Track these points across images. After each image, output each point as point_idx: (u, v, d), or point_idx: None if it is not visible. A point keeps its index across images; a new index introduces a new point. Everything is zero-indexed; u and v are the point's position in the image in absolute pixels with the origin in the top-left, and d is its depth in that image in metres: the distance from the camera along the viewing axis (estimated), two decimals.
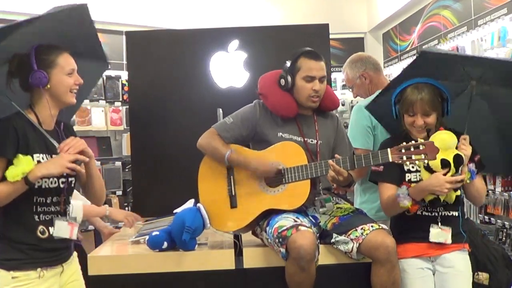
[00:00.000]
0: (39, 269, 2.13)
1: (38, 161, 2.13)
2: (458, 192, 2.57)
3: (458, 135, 2.58)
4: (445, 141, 2.52)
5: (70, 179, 2.24)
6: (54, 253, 2.19)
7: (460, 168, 2.52)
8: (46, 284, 2.15)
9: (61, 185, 2.21)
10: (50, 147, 2.18)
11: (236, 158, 2.75)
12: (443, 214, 2.61)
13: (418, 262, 2.63)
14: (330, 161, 2.60)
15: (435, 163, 2.52)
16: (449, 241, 2.57)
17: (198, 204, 2.76)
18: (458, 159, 2.51)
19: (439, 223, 2.59)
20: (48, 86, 2.16)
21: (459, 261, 2.60)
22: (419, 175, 2.61)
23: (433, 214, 2.62)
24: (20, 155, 2.08)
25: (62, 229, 2.20)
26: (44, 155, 2.16)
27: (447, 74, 2.69)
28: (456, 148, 2.55)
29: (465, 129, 2.59)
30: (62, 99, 2.20)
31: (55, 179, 2.18)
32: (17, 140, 2.09)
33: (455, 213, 2.62)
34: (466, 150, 2.53)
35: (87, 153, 2.18)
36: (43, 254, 2.15)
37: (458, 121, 2.63)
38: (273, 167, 2.70)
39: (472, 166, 2.55)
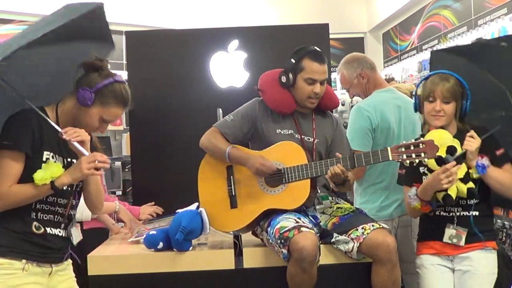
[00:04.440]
0: (24, 261, 2.07)
1: (47, 159, 2.11)
2: (471, 184, 2.52)
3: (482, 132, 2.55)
4: (437, 138, 2.50)
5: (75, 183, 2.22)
6: (43, 250, 2.14)
7: (454, 158, 2.47)
8: (30, 279, 2.09)
9: (68, 188, 2.18)
10: (62, 147, 2.16)
11: (236, 154, 2.76)
12: (461, 214, 2.59)
13: (436, 259, 2.63)
14: (334, 164, 2.60)
15: (431, 162, 2.52)
16: (463, 243, 2.56)
17: (201, 209, 2.76)
18: (450, 150, 2.49)
19: (455, 224, 2.58)
20: (82, 108, 2.15)
21: (479, 260, 2.57)
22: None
23: (451, 214, 2.60)
24: (51, 161, 2.09)
25: (77, 236, 2.20)
26: (55, 154, 2.14)
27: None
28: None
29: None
30: (77, 124, 2.17)
31: None
32: (33, 135, 2.09)
33: (475, 213, 2.58)
34: (471, 146, 2.50)
35: (86, 146, 2.15)
36: (31, 247, 2.10)
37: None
38: (272, 164, 2.70)
39: (483, 160, 2.51)
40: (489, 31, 5.58)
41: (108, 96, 2.16)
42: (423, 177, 2.63)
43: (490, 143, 2.58)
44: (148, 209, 3.57)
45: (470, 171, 2.53)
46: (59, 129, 2.10)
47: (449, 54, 2.93)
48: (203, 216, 2.72)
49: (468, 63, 2.70)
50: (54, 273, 2.18)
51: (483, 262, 2.58)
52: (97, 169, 2.10)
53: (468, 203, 2.58)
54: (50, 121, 2.11)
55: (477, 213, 2.59)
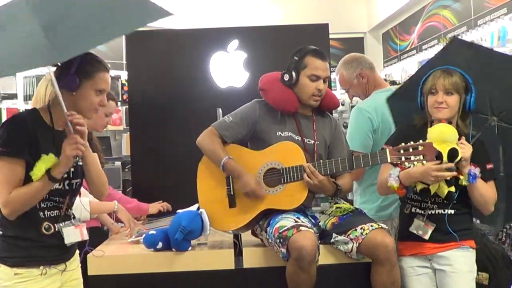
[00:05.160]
0: (41, 267, 2.13)
1: None
2: (452, 188, 2.53)
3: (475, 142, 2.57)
4: (442, 133, 2.50)
5: (74, 181, 2.23)
6: (58, 251, 2.19)
7: (454, 163, 2.49)
8: (48, 280, 2.15)
9: (67, 187, 2.20)
10: (59, 147, 2.15)
11: (230, 168, 2.75)
12: (436, 212, 2.60)
13: (414, 261, 2.63)
14: (305, 164, 2.63)
15: None
16: (427, 237, 2.56)
17: (201, 210, 2.76)
18: (452, 153, 2.49)
19: (425, 217, 2.59)
20: (74, 93, 2.16)
21: (457, 259, 2.58)
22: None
23: (426, 212, 2.60)
24: (43, 155, 2.09)
25: (71, 235, 2.21)
26: (52, 155, 2.14)
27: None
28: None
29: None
30: (81, 111, 2.18)
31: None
32: (29, 141, 2.09)
33: (450, 211, 2.59)
34: (465, 152, 2.50)
35: (83, 135, 2.15)
36: (47, 251, 2.15)
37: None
38: (260, 191, 2.71)
39: (475, 170, 2.51)
40: (489, 31, 5.57)
41: (87, 67, 2.16)
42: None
43: (482, 156, 2.59)
44: (157, 205, 3.61)
45: (461, 177, 2.52)
46: (65, 109, 2.10)
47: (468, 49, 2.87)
48: (203, 217, 2.72)
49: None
50: (67, 268, 2.23)
51: (461, 260, 2.58)
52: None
53: (444, 201, 2.59)
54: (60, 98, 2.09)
55: (452, 211, 2.59)
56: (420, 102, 2.68)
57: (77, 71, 2.14)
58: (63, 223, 2.21)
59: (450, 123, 2.56)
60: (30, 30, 1.89)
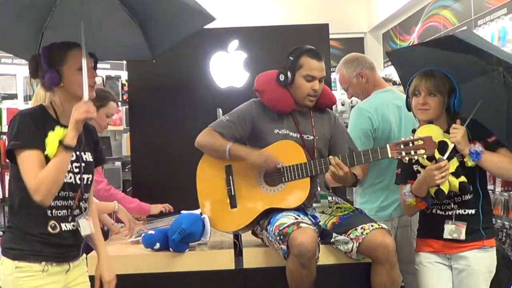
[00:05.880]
0: (43, 263, 2.11)
1: None
2: (462, 178, 2.54)
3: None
4: (424, 135, 2.51)
5: (86, 176, 2.23)
6: (62, 249, 2.18)
7: (448, 153, 2.50)
8: (50, 279, 2.13)
9: (78, 181, 2.20)
10: None
11: (237, 150, 2.74)
12: (457, 212, 2.60)
13: (434, 257, 2.64)
14: (330, 157, 2.62)
15: (422, 159, 2.54)
16: (463, 237, 2.56)
17: (204, 215, 2.76)
18: (442, 146, 2.51)
19: (454, 219, 2.59)
20: (62, 84, 2.16)
21: (476, 260, 2.58)
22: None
23: (447, 213, 2.61)
24: (50, 131, 2.08)
25: (85, 227, 2.21)
26: (58, 127, 2.14)
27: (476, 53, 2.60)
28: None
29: (474, 110, 2.56)
30: (78, 95, 2.16)
31: (71, 174, 2.17)
32: (39, 132, 2.09)
33: (471, 211, 2.59)
34: (456, 136, 2.50)
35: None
36: (50, 248, 2.14)
37: (471, 99, 2.60)
38: (275, 158, 2.69)
39: (476, 147, 2.51)
40: (489, 31, 5.56)
41: (56, 56, 2.16)
42: (418, 175, 2.64)
43: (481, 132, 2.59)
44: (159, 206, 3.62)
45: (465, 159, 2.54)
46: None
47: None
48: (205, 223, 2.72)
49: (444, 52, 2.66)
50: (71, 269, 2.22)
51: (480, 261, 2.59)
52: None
53: (463, 199, 2.59)
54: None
55: (473, 211, 2.59)
56: (407, 104, 2.70)
57: (51, 64, 2.14)
58: (78, 216, 2.21)
59: (431, 123, 2.58)
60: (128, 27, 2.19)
